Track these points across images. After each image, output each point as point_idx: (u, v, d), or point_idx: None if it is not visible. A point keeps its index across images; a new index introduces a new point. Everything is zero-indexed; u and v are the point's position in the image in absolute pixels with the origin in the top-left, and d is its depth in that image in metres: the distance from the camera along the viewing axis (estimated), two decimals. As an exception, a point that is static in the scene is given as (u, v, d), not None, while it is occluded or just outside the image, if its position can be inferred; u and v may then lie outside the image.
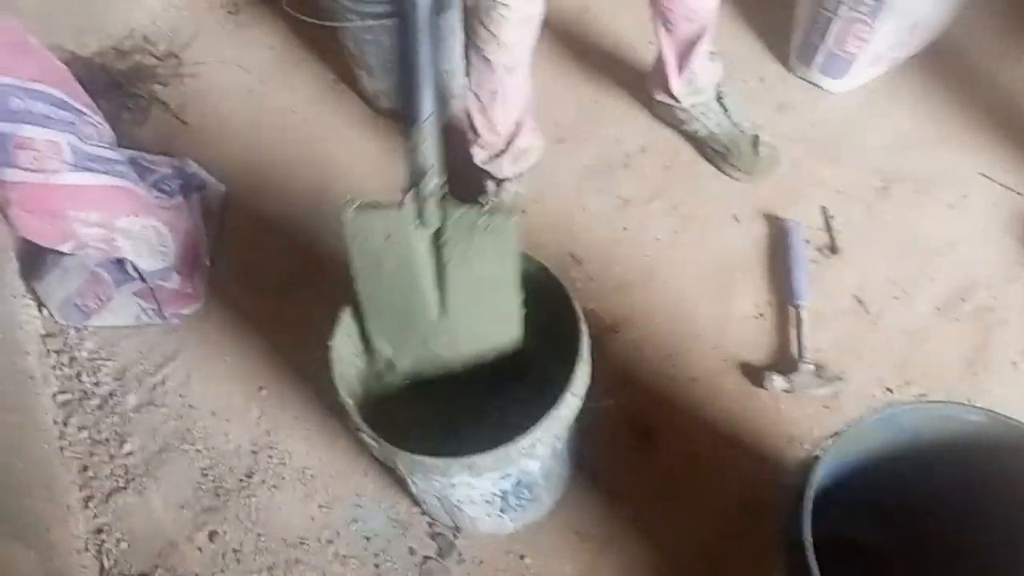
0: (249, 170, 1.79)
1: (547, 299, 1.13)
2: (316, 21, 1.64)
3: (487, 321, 1.14)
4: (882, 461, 1.06)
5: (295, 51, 1.98)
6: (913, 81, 1.76)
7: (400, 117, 1.79)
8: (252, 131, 1.86)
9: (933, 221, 1.58)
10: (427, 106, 1.00)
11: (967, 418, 0.99)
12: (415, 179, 1.02)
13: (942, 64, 1.77)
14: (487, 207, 1.03)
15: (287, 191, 1.76)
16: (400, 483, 1.35)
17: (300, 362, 1.51)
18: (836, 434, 0.97)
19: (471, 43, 1.39)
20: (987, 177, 1.61)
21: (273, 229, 1.70)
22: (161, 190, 1.50)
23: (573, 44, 1.91)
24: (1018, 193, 1.58)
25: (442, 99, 1.75)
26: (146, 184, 1.48)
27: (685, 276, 1.57)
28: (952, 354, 1.42)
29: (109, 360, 1.55)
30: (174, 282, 1.48)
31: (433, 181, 1.03)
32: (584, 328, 1.09)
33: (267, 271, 1.65)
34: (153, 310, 1.50)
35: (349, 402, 1.03)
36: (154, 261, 1.43)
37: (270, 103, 1.90)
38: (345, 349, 1.10)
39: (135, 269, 1.42)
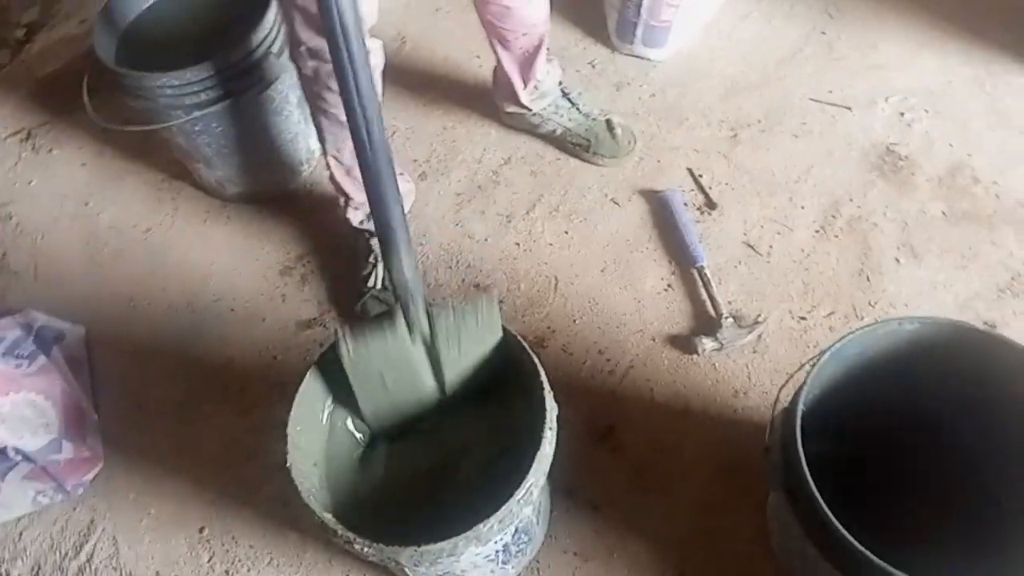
0: (103, 301, 1.63)
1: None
2: (138, 127, 1.50)
3: (481, 378, 1.15)
4: (840, 386, 1.13)
5: (112, 163, 1.81)
6: (725, 31, 1.88)
7: (251, 198, 1.71)
8: (92, 259, 1.69)
9: (785, 153, 1.69)
10: (401, 232, 1.02)
11: (903, 327, 1.07)
12: (402, 300, 1.05)
13: (747, 8, 1.91)
14: (466, 301, 1.08)
15: (152, 310, 1.61)
16: (384, 570, 1.28)
17: (232, 485, 1.39)
18: (813, 361, 1.03)
19: (318, 109, 1.33)
20: (816, 100, 1.75)
21: (150, 354, 1.55)
22: (18, 356, 1.32)
23: (403, 81, 1.88)
24: (846, 108, 1.73)
25: (292, 172, 1.69)
26: (-2, 355, 1.30)
27: (588, 272, 1.59)
28: (842, 268, 1.53)
29: (17, 560, 1.35)
30: (67, 451, 1.32)
31: (419, 299, 1.05)
32: (536, 360, 1.08)
33: (159, 400, 1.50)
34: (52, 488, 1.32)
35: (330, 518, 0.95)
36: (38, 437, 1.26)
37: (102, 224, 1.73)
38: (303, 463, 1.02)
39: (18, 452, 1.25)
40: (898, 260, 1.53)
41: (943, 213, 1.56)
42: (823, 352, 1.04)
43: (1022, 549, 1.03)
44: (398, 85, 1.87)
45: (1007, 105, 1.67)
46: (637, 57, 1.86)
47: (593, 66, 1.88)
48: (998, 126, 1.65)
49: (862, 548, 0.89)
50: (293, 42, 1.24)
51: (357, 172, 1.41)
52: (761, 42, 1.85)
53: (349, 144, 1.37)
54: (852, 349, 1.07)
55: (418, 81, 1.88)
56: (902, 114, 1.69)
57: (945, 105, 1.69)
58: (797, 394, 1.02)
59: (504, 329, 1.11)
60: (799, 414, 1.00)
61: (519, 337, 1.10)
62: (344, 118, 1.32)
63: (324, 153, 1.42)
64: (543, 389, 1.05)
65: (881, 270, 1.52)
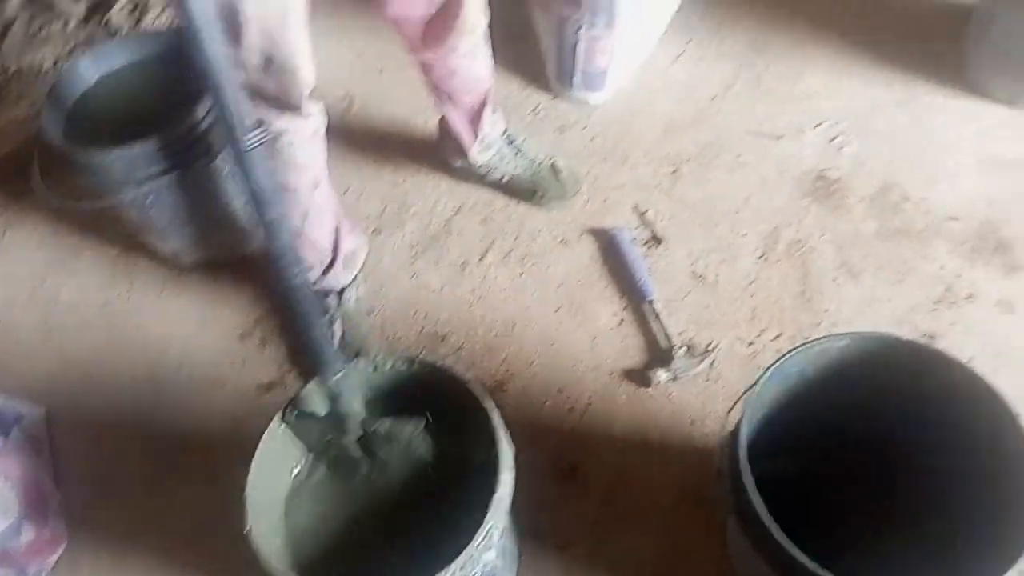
0: (62, 379, 1.63)
1: (425, 388, 1.15)
2: (90, 204, 1.52)
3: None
4: (787, 406, 1.17)
5: (67, 241, 1.83)
6: (660, 72, 1.96)
7: (207, 265, 1.73)
8: (50, 337, 1.69)
9: (724, 185, 1.75)
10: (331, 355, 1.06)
11: (835, 344, 1.12)
12: (339, 425, 1.10)
13: (677, 49, 1.99)
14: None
15: (113, 384, 1.61)
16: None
17: (203, 557, 1.39)
18: (750, 389, 1.06)
19: None
20: (750, 132, 1.82)
21: (112, 429, 1.55)
22: (-23, 441, 1.32)
23: (352, 140, 1.92)
24: (778, 137, 1.80)
25: (246, 236, 1.72)
26: (-44, 441, 1.30)
27: (542, 313, 1.63)
28: (785, 292, 1.58)
29: (-19, 650, 1.33)
30: (28, 534, 1.31)
31: (354, 426, 1.11)
32: (490, 402, 1.10)
33: (123, 476, 1.50)
34: (14, 574, 1.31)
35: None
36: (-2, 521, 1.25)
37: (59, 301, 1.74)
38: (265, 524, 1.03)
39: (-22, 538, 1.24)
40: (837, 280, 1.58)
41: (876, 232, 1.63)
42: (760, 375, 1.08)
43: (970, 558, 1.06)
44: (348, 145, 1.92)
45: (930, 124, 1.76)
46: (578, 101, 1.93)
47: (536, 112, 1.94)
48: (923, 144, 1.73)
49: (815, 567, 0.91)
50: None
51: (307, 231, 1.47)
52: (694, 80, 1.93)
53: (298, 206, 1.42)
54: (790, 369, 1.11)
55: (367, 140, 1.93)
56: (831, 139, 1.77)
57: (871, 128, 1.77)
58: (740, 418, 1.06)
59: (458, 377, 1.13)
60: (743, 437, 1.03)
61: (471, 383, 1.13)
62: (291, 181, 1.38)
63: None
64: (496, 433, 1.07)
65: (822, 291, 1.57)
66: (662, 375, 1.50)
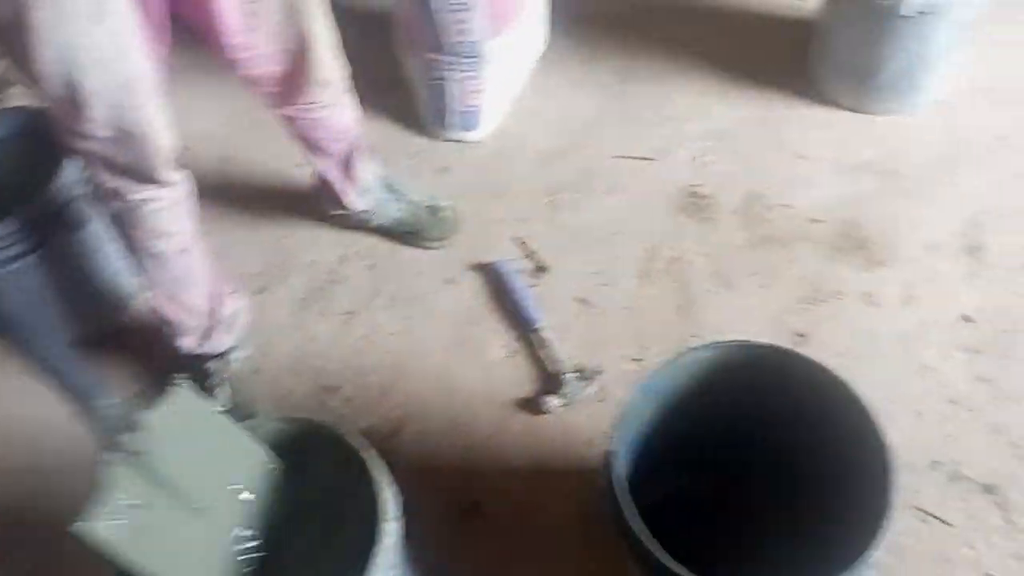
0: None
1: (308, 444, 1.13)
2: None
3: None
4: (665, 420, 1.20)
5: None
6: (533, 106, 2.01)
7: (82, 343, 1.67)
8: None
9: (601, 210, 1.80)
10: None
11: (702, 355, 1.15)
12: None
13: (549, 82, 2.05)
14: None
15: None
16: None
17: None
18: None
19: (133, 247, 1.33)
20: (622, 157, 1.88)
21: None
22: None
23: (230, 198, 1.90)
24: (649, 160, 1.87)
25: (121, 306, 1.67)
26: None
27: (433, 353, 1.62)
28: (666, 308, 1.63)
29: None
30: None
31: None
32: (369, 451, 1.09)
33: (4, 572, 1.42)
34: None
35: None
36: None
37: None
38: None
39: None
40: (713, 291, 1.64)
41: (746, 241, 1.70)
42: (631, 394, 1.10)
43: (843, 548, 1.09)
44: (227, 203, 1.89)
45: (787, 136, 1.85)
46: (455, 141, 1.96)
47: (415, 155, 1.96)
48: (781, 155, 1.82)
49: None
50: (94, 185, 1.25)
51: (182, 298, 1.44)
52: (567, 111, 1.98)
53: (170, 272, 1.39)
54: (659, 385, 1.14)
55: (246, 196, 1.91)
56: (699, 158, 1.85)
57: (734, 143, 1.86)
58: (612, 440, 1.08)
59: (333, 430, 1.12)
60: (616, 457, 1.05)
61: (348, 435, 1.12)
62: (159, 249, 1.34)
63: (144, 287, 1.42)
64: (377, 483, 1.06)
65: (700, 303, 1.63)
66: (554, 402, 1.52)
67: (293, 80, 1.34)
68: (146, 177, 1.23)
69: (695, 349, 1.15)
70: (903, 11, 1.58)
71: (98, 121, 1.11)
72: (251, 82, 1.33)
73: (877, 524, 0.96)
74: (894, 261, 1.62)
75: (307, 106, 1.40)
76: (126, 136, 1.15)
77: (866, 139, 1.81)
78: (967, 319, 1.53)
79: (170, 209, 1.29)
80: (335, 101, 1.44)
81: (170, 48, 1.20)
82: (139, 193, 1.25)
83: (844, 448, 1.08)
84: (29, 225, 1.41)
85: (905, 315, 1.55)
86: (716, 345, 1.15)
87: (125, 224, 1.30)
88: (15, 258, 1.43)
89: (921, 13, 1.59)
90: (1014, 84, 1.86)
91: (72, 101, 1.08)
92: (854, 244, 1.66)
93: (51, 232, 1.46)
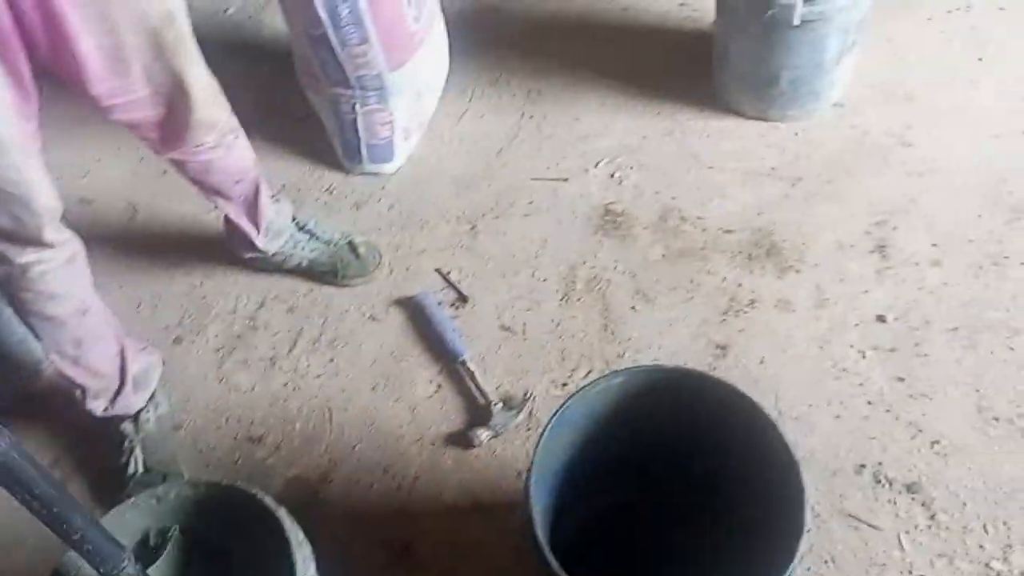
0: None
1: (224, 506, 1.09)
2: None
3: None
4: (586, 445, 1.20)
5: None
6: (446, 134, 2.00)
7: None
8: None
9: (520, 234, 1.80)
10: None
11: (612, 383, 1.16)
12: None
13: (460, 108, 2.04)
14: None
15: None
16: None
17: None
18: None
19: (22, 311, 1.28)
20: (537, 179, 1.89)
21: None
22: None
23: (141, 249, 1.85)
24: (564, 180, 1.87)
25: (31, 373, 1.60)
26: None
27: (360, 394, 1.60)
28: (590, 328, 1.63)
29: None
30: None
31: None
32: (282, 511, 1.07)
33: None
34: None
35: None
36: None
37: None
38: None
39: None
40: (634, 308, 1.65)
41: (663, 255, 1.72)
42: (545, 426, 1.10)
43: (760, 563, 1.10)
44: (137, 254, 1.84)
45: (696, 147, 1.88)
46: (370, 174, 1.94)
47: (331, 191, 1.93)
48: (692, 167, 1.84)
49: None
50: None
51: (86, 360, 1.38)
52: (479, 136, 1.98)
53: (68, 335, 1.34)
54: (574, 415, 1.14)
55: (157, 246, 1.86)
56: (612, 175, 1.86)
57: (646, 158, 1.88)
58: (528, 476, 1.07)
59: (245, 491, 1.09)
60: (530, 494, 1.05)
61: (258, 496, 1.09)
62: (53, 312, 1.29)
63: (45, 351, 1.36)
64: (289, 543, 1.04)
65: (622, 320, 1.64)
66: (483, 434, 1.50)
67: (172, 124, 1.30)
68: (30, 239, 1.18)
69: (605, 377, 1.15)
70: (793, 21, 1.62)
71: None
72: (131, 128, 1.29)
73: (793, 542, 0.97)
74: (805, 265, 1.65)
75: (193, 149, 1.36)
76: (4, 198, 1.11)
77: (771, 146, 1.85)
78: (879, 318, 1.57)
79: (59, 270, 1.25)
80: (221, 142, 1.41)
81: (40, 104, 1.16)
82: (24, 256, 1.20)
83: (759, 465, 1.09)
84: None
85: (819, 318, 1.58)
86: (626, 371, 1.16)
87: (14, 288, 1.24)
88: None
89: (810, 21, 1.63)
90: (907, 81, 1.91)
91: None
92: (766, 251, 1.69)
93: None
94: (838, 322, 1.58)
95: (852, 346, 1.54)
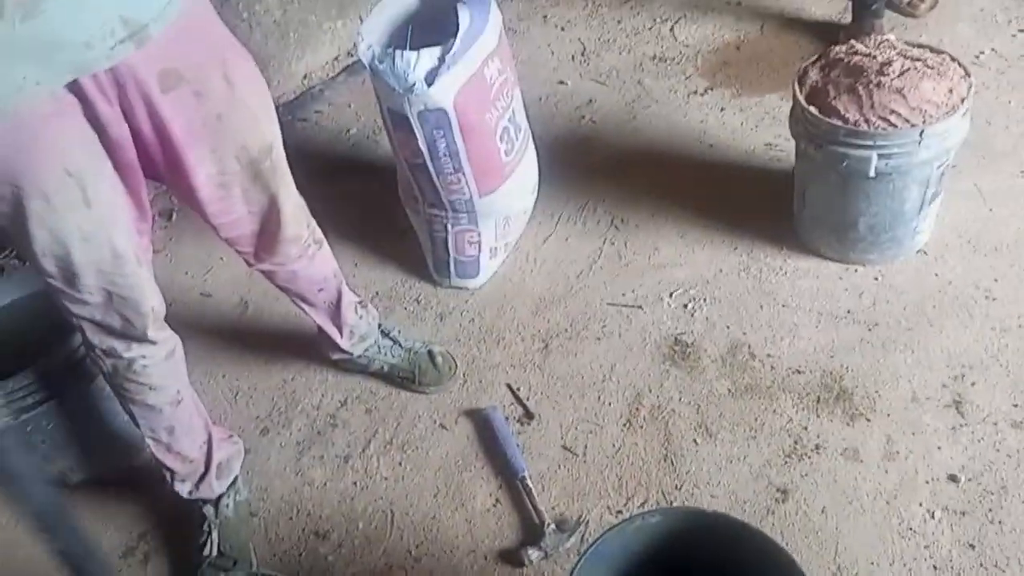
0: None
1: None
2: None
3: None
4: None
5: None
6: (530, 254, 2.12)
7: (96, 481, 1.76)
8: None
9: (591, 356, 1.86)
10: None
11: (648, 521, 1.18)
12: None
13: (547, 230, 2.16)
14: None
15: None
16: None
17: None
18: None
19: (125, 399, 1.45)
20: (612, 304, 1.96)
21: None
22: None
23: (245, 343, 2.04)
24: (638, 307, 1.93)
25: (133, 450, 1.77)
26: None
27: (422, 499, 1.67)
28: (650, 457, 1.65)
29: None
30: None
31: None
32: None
33: None
34: None
35: None
36: None
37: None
38: None
39: None
40: (696, 441, 1.66)
41: (729, 390, 1.73)
42: (578, 559, 1.13)
43: None
44: (240, 348, 2.02)
45: (771, 284, 1.91)
46: (456, 288, 2.07)
47: (419, 301, 2.07)
48: (766, 304, 1.87)
49: None
50: (87, 346, 1.38)
51: (177, 446, 1.53)
52: (561, 259, 2.09)
53: (163, 422, 1.49)
54: (609, 548, 1.16)
55: (259, 341, 2.04)
56: (685, 305, 1.91)
57: (720, 292, 1.92)
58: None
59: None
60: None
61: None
62: (151, 401, 1.45)
63: (142, 436, 1.52)
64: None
65: (683, 453, 1.65)
66: (534, 554, 1.53)
67: (264, 239, 1.47)
68: (136, 337, 1.35)
69: (643, 514, 1.18)
70: (869, 173, 1.65)
71: (88, 289, 1.24)
72: (232, 243, 1.48)
73: None
74: (876, 414, 1.62)
75: (282, 261, 1.54)
76: (114, 301, 1.28)
77: (849, 289, 1.85)
78: (952, 478, 1.51)
79: (159, 364, 1.41)
80: (307, 254, 1.57)
81: (153, 221, 1.36)
82: (130, 351, 1.37)
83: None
84: (44, 377, 1.54)
85: (888, 471, 1.54)
86: (663, 511, 1.19)
87: (119, 379, 1.41)
88: (30, 407, 1.55)
89: (886, 173, 1.66)
90: (996, 234, 1.89)
91: (64, 274, 1.22)
92: (836, 396, 1.67)
93: (64, 383, 1.58)
94: (908, 477, 1.53)
95: (921, 504, 1.49)
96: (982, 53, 2.34)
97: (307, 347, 1.97)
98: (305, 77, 2.80)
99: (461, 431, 1.78)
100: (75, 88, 1.10)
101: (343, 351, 1.81)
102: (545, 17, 2.86)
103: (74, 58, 1.07)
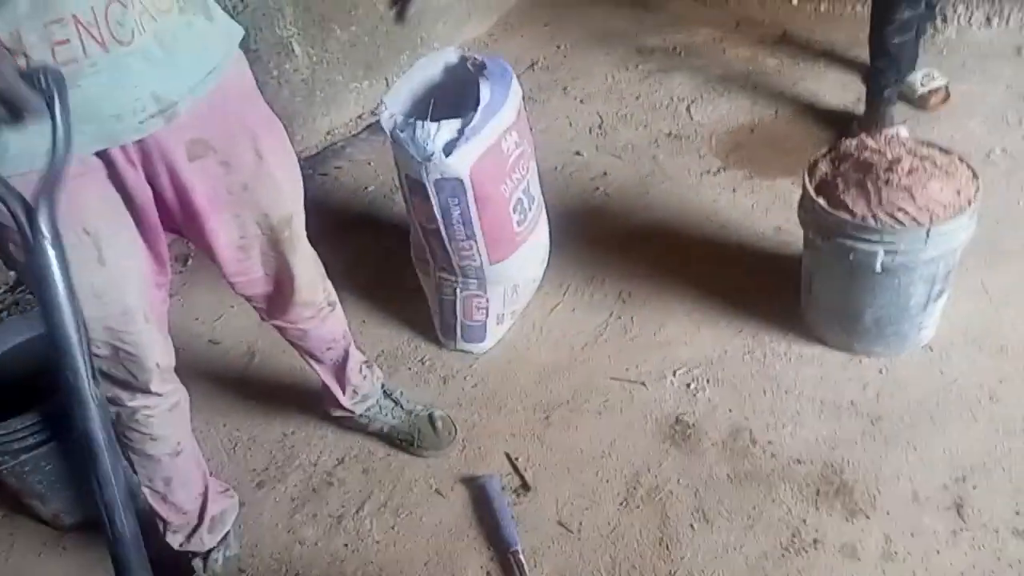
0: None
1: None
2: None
3: None
4: None
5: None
6: (537, 322, 2.13)
7: (90, 526, 1.76)
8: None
9: (591, 431, 1.85)
10: None
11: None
12: None
13: (554, 299, 2.18)
14: None
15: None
16: None
17: None
18: None
19: (125, 447, 1.45)
20: (616, 379, 1.96)
21: None
22: None
23: (250, 393, 2.05)
24: (641, 383, 1.94)
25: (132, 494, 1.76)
26: None
27: (413, 567, 1.65)
28: (645, 539, 1.63)
29: None
30: None
31: None
32: None
33: None
34: None
35: None
36: None
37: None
38: None
39: None
40: (693, 526, 1.64)
41: (728, 476, 1.72)
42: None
43: None
44: (244, 398, 2.03)
45: (776, 370, 1.91)
46: (462, 352, 2.08)
47: (423, 363, 2.08)
48: (769, 389, 1.87)
49: None
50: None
51: (173, 497, 1.53)
52: (567, 330, 2.10)
53: (161, 472, 1.50)
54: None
55: (264, 391, 2.05)
56: (688, 385, 1.91)
57: (724, 374, 1.92)
58: None
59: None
60: None
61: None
62: (151, 451, 1.46)
63: (139, 484, 1.52)
64: None
65: (679, 538, 1.63)
66: (522, 633, 1.51)
67: (278, 300, 1.50)
68: (140, 388, 1.37)
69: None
70: (875, 268, 1.67)
71: (96, 342, 1.25)
72: (247, 298, 1.50)
73: None
74: (876, 512, 1.61)
75: (294, 320, 1.56)
76: (120, 354, 1.30)
77: (852, 380, 1.85)
78: (951, 584, 1.49)
79: (162, 415, 1.42)
80: (319, 316, 1.59)
81: (172, 274, 1.39)
82: (134, 401, 1.38)
83: None
84: (47, 419, 1.55)
85: (886, 572, 1.52)
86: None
87: (121, 427, 1.42)
88: (30, 448, 1.56)
89: (892, 269, 1.68)
90: (1002, 334, 1.89)
91: None
92: (836, 489, 1.66)
93: (66, 426, 1.59)
94: (906, 580, 1.51)
95: (919, 610, 1.46)
96: (993, 151, 2.38)
97: (310, 401, 1.98)
98: (328, 133, 2.88)
99: (457, 498, 1.77)
100: (101, 153, 1.13)
101: (345, 409, 1.82)
102: (565, 89, 2.94)
103: (103, 130, 1.10)
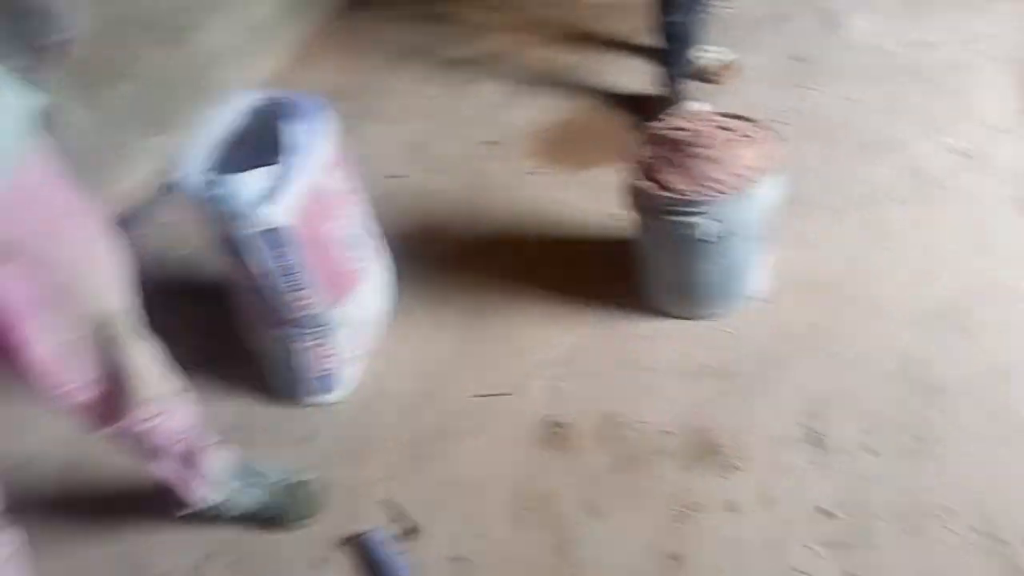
0: None
1: None
2: None
3: None
4: None
5: None
6: (391, 356, 2.04)
7: None
8: None
9: (468, 455, 1.79)
10: None
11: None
12: None
13: (402, 331, 2.11)
14: None
15: None
16: None
17: None
18: None
19: None
20: (481, 396, 1.91)
21: None
22: None
23: (77, 510, 1.79)
24: (507, 394, 1.90)
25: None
26: None
27: (309, 650, 1.52)
28: (543, 550, 1.60)
29: None
30: None
31: None
32: None
33: None
34: None
35: None
36: None
37: None
38: None
39: None
40: (585, 523, 1.63)
41: (610, 465, 1.73)
42: None
43: None
44: (72, 516, 1.78)
45: (630, 352, 1.95)
46: (314, 405, 1.95)
47: (275, 428, 1.92)
48: (627, 371, 1.90)
49: None
50: None
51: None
52: (423, 356, 2.03)
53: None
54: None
55: (95, 505, 1.79)
56: (552, 386, 1.90)
57: (582, 367, 1.93)
58: None
59: None
60: None
61: None
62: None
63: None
64: None
65: (574, 538, 1.61)
66: None
67: (112, 403, 1.32)
68: None
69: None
70: (700, 237, 1.75)
71: None
72: (67, 412, 1.31)
73: None
74: (746, 463, 1.68)
75: (130, 424, 1.38)
76: None
77: (701, 345, 1.93)
78: (824, 512, 1.57)
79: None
80: (164, 409, 1.42)
81: None
82: None
83: None
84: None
85: (766, 518, 1.58)
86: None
87: None
88: None
89: (715, 236, 1.77)
90: (822, 275, 2.04)
91: None
92: (707, 451, 1.71)
93: None
94: (786, 520, 1.58)
95: (804, 545, 1.53)
96: (783, 111, 2.53)
97: (151, 503, 1.75)
98: (125, 198, 2.62)
99: (341, 563, 1.65)
100: None
101: (200, 501, 1.64)
102: (376, 113, 2.85)
103: None
